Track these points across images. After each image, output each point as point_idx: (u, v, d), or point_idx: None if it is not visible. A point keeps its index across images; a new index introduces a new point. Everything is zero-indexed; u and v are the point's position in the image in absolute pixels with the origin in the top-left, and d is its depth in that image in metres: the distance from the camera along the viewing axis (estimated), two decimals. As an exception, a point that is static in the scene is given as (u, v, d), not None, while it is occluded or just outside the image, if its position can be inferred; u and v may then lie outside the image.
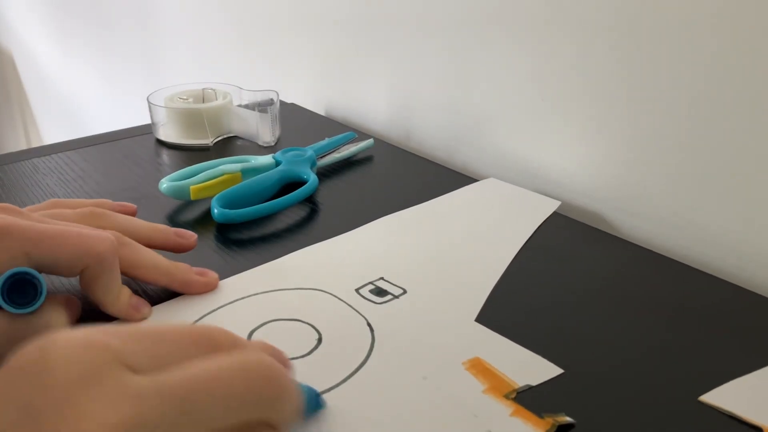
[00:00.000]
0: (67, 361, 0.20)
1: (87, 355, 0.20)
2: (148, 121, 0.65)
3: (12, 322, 0.31)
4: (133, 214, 0.42)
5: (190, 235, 0.41)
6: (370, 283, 0.40)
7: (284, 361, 0.26)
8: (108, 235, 0.34)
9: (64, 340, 0.20)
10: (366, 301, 0.38)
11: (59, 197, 0.51)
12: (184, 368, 0.21)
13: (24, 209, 0.36)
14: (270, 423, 0.22)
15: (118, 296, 0.35)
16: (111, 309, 0.35)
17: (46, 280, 0.32)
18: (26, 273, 0.31)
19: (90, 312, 0.35)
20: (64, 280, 0.40)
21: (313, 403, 0.29)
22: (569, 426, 0.29)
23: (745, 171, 0.42)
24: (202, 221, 0.48)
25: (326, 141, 0.59)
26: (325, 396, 0.30)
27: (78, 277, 0.34)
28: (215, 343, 0.23)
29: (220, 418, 0.21)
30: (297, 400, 0.23)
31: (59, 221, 0.35)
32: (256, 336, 0.35)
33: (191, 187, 0.49)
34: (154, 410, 0.19)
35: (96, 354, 0.20)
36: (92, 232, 0.34)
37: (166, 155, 0.61)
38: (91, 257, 0.33)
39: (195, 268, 0.39)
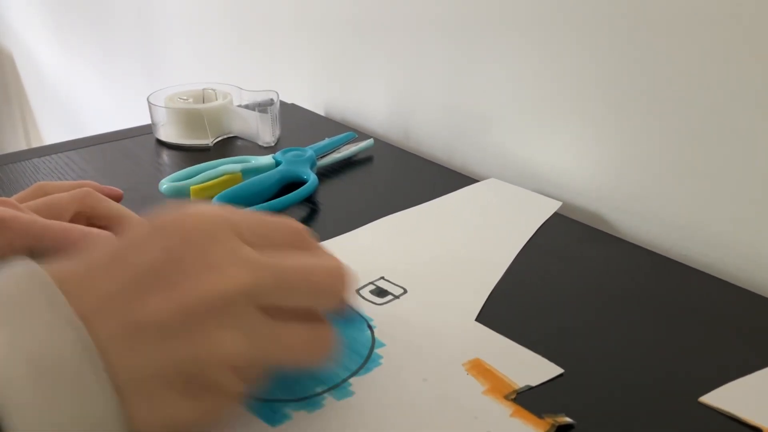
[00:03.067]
0: (201, 223, 0.25)
1: (215, 222, 0.26)
2: (149, 122, 0.65)
3: None
4: (119, 198, 0.42)
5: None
6: (371, 283, 0.40)
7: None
8: (111, 234, 0.34)
9: (196, 210, 0.26)
10: (366, 301, 0.38)
11: (59, 197, 0.51)
12: (287, 256, 0.27)
13: (12, 197, 0.36)
14: (321, 313, 0.29)
15: None
16: None
17: None
18: None
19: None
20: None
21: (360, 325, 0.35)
22: (569, 426, 0.29)
23: (745, 171, 0.42)
24: (203, 221, 0.48)
25: (326, 141, 0.59)
26: (324, 396, 0.30)
27: None
28: (305, 240, 0.29)
29: (305, 300, 0.28)
30: (348, 299, 0.30)
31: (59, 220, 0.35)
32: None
33: (191, 187, 0.49)
34: (266, 280, 0.25)
35: (221, 223, 0.26)
36: (94, 230, 0.34)
37: (166, 155, 0.61)
38: None
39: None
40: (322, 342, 0.28)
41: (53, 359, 0.21)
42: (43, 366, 0.21)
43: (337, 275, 0.29)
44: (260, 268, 0.25)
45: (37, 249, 0.31)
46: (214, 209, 0.27)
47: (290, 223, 0.29)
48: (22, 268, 0.23)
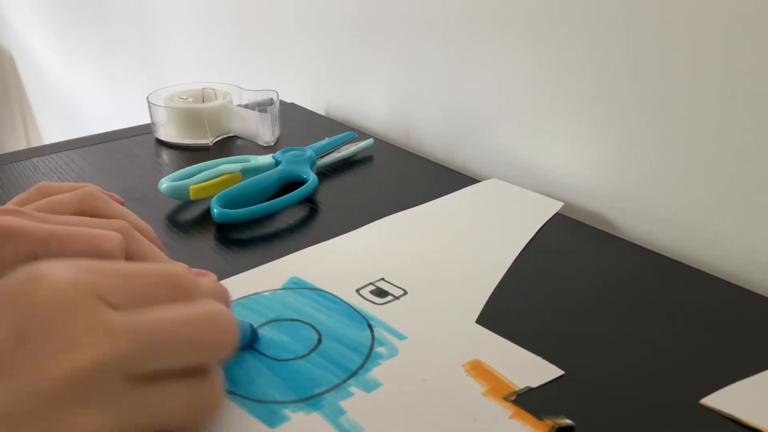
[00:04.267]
0: (54, 290, 0.22)
1: (71, 287, 0.23)
2: (148, 121, 0.65)
3: None
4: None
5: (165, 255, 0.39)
6: (371, 283, 0.40)
7: (228, 303, 0.31)
8: (116, 233, 0.34)
9: (50, 273, 0.23)
10: (366, 301, 0.38)
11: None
12: (156, 311, 0.24)
13: (13, 199, 0.36)
14: (207, 365, 0.26)
15: None
16: None
17: None
18: None
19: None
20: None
21: (247, 337, 0.33)
22: (569, 428, 0.29)
23: (745, 171, 0.42)
24: (202, 221, 0.48)
25: (326, 141, 0.59)
26: (324, 396, 0.30)
27: None
28: (182, 287, 0.26)
29: (180, 359, 0.24)
30: (236, 344, 0.27)
31: (61, 217, 0.35)
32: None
33: (191, 187, 0.48)
34: (129, 346, 0.22)
35: (79, 287, 0.23)
36: (100, 231, 0.34)
37: (165, 155, 0.61)
38: (100, 256, 0.32)
39: (193, 270, 0.39)
40: (206, 400, 0.26)
41: None
42: None
43: (215, 323, 0.25)
44: (121, 334, 0.22)
45: (43, 255, 0.31)
46: (71, 271, 0.23)
47: (166, 270, 0.26)
48: None
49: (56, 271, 0.23)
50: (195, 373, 0.25)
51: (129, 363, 0.23)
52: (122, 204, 0.41)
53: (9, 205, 0.34)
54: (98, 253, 0.32)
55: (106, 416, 0.22)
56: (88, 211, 0.36)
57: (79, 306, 0.22)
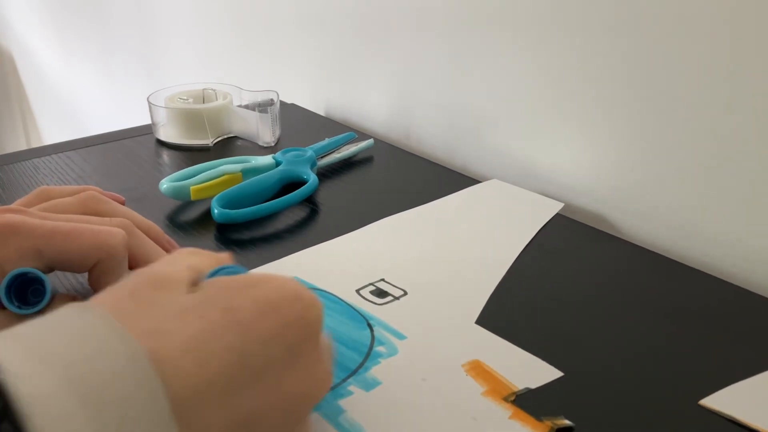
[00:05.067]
0: (319, 313, 0.26)
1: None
2: (149, 122, 0.65)
3: (17, 323, 0.31)
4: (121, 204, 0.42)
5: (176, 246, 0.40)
6: (371, 284, 0.40)
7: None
8: (118, 229, 0.34)
9: (310, 295, 0.25)
10: (366, 301, 0.38)
11: (59, 197, 0.51)
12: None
13: (15, 203, 0.36)
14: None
15: None
16: None
17: (50, 280, 0.32)
18: (31, 273, 0.31)
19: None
20: (69, 276, 0.40)
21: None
22: (568, 429, 0.29)
23: (745, 171, 0.42)
24: (203, 221, 0.48)
25: (326, 141, 0.59)
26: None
27: (84, 273, 0.34)
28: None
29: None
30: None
31: (63, 215, 0.35)
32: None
33: (191, 187, 0.49)
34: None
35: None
36: (103, 226, 0.34)
37: (166, 155, 0.61)
38: (104, 251, 0.33)
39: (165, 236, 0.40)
40: None
41: None
42: None
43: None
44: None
45: (47, 250, 0.31)
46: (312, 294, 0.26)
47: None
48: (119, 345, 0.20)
49: (312, 294, 0.26)
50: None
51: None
52: (123, 203, 0.42)
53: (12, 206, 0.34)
54: (102, 247, 0.33)
55: None
56: (90, 213, 0.36)
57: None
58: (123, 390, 0.19)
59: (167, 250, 0.39)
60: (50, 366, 0.19)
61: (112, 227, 0.34)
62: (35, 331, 0.20)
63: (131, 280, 0.24)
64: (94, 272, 0.33)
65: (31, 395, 0.18)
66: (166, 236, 0.40)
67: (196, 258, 0.27)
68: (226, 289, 0.24)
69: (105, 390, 0.19)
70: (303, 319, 0.24)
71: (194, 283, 0.25)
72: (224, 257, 0.29)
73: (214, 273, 0.26)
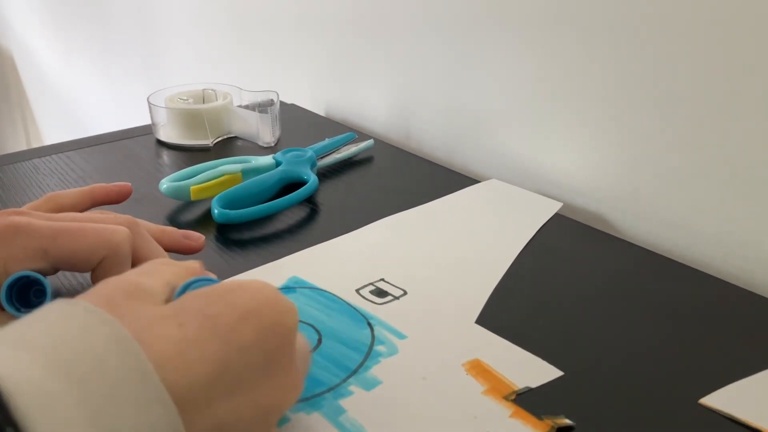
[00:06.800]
0: (295, 319, 0.25)
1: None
2: (149, 122, 0.65)
3: None
4: (128, 192, 0.42)
5: (197, 237, 0.40)
6: (371, 284, 0.40)
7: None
8: (122, 227, 0.34)
9: (288, 301, 0.25)
10: (366, 301, 0.38)
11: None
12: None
13: (25, 206, 0.36)
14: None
15: None
16: None
17: (50, 283, 0.32)
18: (30, 277, 0.31)
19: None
20: (70, 276, 0.40)
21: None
22: (568, 428, 0.29)
23: (745, 171, 0.42)
24: (203, 222, 0.48)
25: (326, 141, 0.59)
26: (324, 395, 0.30)
27: (87, 273, 0.34)
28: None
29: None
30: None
31: (68, 214, 0.35)
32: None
33: (191, 187, 0.49)
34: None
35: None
36: (107, 225, 0.34)
37: (166, 156, 0.61)
38: (109, 248, 0.33)
39: (181, 231, 0.40)
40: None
41: None
42: None
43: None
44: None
45: (52, 249, 0.32)
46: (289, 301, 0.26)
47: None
48: (105, 327, 0.20)
49: (289, 300, 0.25)
50: None
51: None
52: (130, 190, 0.42)
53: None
54: (106, 245, 0.33)
55: None
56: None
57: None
58: (110, 369, 0.19)
59: (185, 246, 0.40)
60: (34, 352, 0.19)
61: (116, 225, 0.34)
62: (19, 326, 0.20)
63: (106, 287, 0.24)
64: (98, 270, 0.33)
65: (18, 382, 0.18)
66: (181, 232, 0.40)
67: (171, 269, 0.27)
68: (204, 297, 0.24)
69: (92, 370, 0.19)
70: (281, 325, 0.24)
71: (168, 300, 0.25)
72: (197, 268, 0.29)
73: (186, 287, 0.26)
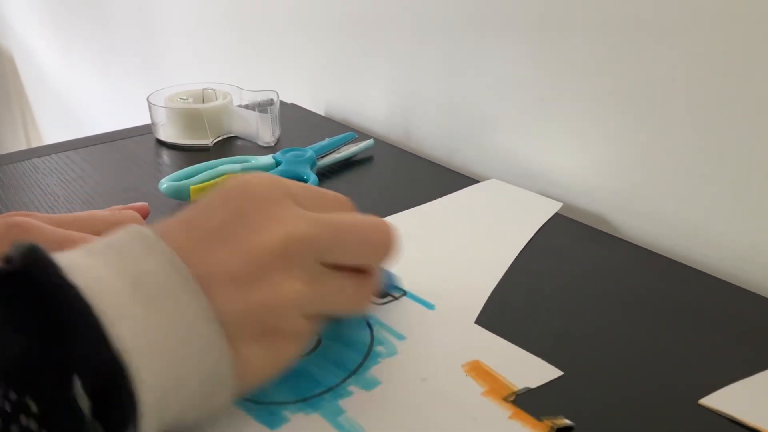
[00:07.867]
0: (263, 187, 0.28)
1: (274, 186, 0.29)
2: (148, 121, 0.65)
3: None
4: (146, 213, 0.42)
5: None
6: (370, 284, 0.40)
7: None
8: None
9: (257, 177, 0.29)
10: (366, 302, 0.38)
11: (59, 197, 0.51)
12: (335, 215, 0.30)
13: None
14: (370, 266, 0.32)
15: None
16: None
17: None
18: None
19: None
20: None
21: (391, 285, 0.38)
22: (568, 429, 0.29)
23: (745, 171, 0.42)
24: (202, 222, 0.48)
25: (326, 141, 0.59)
26: (323, 396, 0.30)
27: None
28: (349, 206, 0.33)
29: (357, 253, 0.30)
30: (395, 255, 0.32)
31: (72, 220, 0.35)
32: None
33: (191, 187, 0.49)
34: (323, 232, 0.28)
35: (279, 188, 0.29)
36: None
37: (166, 155, 0.61)
38: None
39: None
40: (365, 296, 0.32)
41: (149, 276, 0.24)
42: (141, 282, 0.24)
43: (384, 230, 0.32)
44: (318, 223, 0.28)
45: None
46: (270, 177, 0.30)
47: (335, 193, 0.33)
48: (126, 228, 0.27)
49: (260, 176, 0.29)
50: (360, 273, 0.31)
51: (323, 247, 0.28)
52: (147, 211, 0.42)
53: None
54: None
55: (303, 285, 0.27)
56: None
57: (281, 199, 0.28)
58: (161, 270, 0.24)
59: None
60: (99, 257, 0.24)
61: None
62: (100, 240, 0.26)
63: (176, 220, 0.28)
64: None
65: (87, 278, 0.22)
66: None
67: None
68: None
69: (143, 267, 0.24)
70: (242, 190, 0.29)
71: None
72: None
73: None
